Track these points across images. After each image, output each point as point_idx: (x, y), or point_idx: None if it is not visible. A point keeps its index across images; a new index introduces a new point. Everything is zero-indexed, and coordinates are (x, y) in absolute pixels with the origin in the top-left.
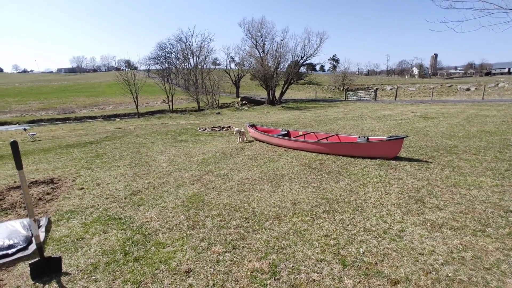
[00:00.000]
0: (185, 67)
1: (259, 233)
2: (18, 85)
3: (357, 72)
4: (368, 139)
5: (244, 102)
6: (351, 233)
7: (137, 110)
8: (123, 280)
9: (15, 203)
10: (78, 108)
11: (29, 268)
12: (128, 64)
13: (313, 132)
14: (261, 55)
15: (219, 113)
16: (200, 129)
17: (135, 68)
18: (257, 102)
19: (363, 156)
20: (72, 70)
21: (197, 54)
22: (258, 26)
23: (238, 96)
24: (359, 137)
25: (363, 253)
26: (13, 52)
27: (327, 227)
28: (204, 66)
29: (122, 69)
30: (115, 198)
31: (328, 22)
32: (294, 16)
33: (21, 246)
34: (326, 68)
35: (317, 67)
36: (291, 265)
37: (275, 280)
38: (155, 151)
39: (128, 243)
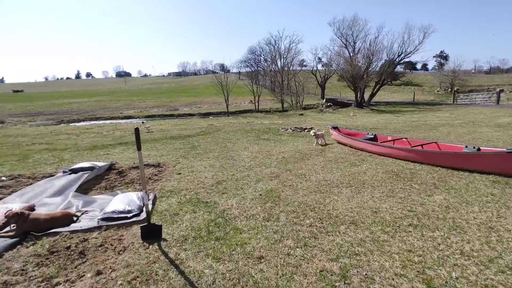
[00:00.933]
0: (272, 69)
1: (332, 235)
2: (140, 87)
3: (473, 71)
4: (479, 149)
5: (329, 103)
6: (442, 254)
7: (227, 109)
8: (206, 254)
9: (134, 179)
10: (181, 106)
11: (140, 230)
12: (223, 67)
13: (406, 138)
14: (351, 54)
15: (302, 114)
16: (282, 129)
17: (228, 71)
18: (343, 104)
19: (470, 169)
20: (178, 74)
21: (285, 56)
22: (349, 24)
23: (323, 98)
24: (466, 146)
25: (457, 278)
26: (139, 59)
27: (412, 242)
28: (291, 68)
29: (217, 72)
30: (204, 184)
31: (435, 13)
32: (392, 12)
33: (136, 213)
34: (429, 66)
35: (418, 66)
36: (364, 273)
37: (345, 284)
38: (240, 147)
39: (211, 224)
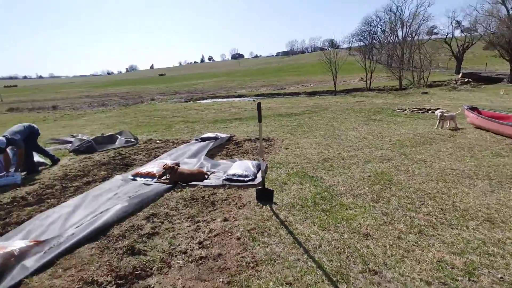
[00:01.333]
0: (391, 41)
1: (457, 229)
2: (251, 67)
3: None
4: None
5: (466, 79)
6: None
7: (335, 88)
8: (312, 221)
9: (248, 150)
10: (287, 85)
11: (255, 192)
12: (332, 43)
13: None
14: (510, 12)
15: (426, 93)
16: (398, 109)
17: (337, 46)
18: (488, 80)
19: None
20: (286, 53)
21: (408, 24)
22: None
23: (458, 72)
24: None
25: None
26: (251, 41)
27: None
28: (415, 38)
29: (326, 49)
30: (310, 160)
31: None
32: None
33: (251, 178)
34: None
35: None
36: (499, 276)
37: (469, 281)
38: (347, 126)
39: (317, 196)
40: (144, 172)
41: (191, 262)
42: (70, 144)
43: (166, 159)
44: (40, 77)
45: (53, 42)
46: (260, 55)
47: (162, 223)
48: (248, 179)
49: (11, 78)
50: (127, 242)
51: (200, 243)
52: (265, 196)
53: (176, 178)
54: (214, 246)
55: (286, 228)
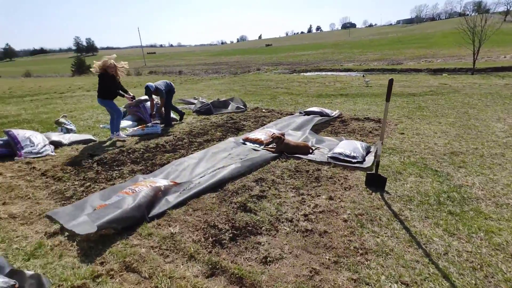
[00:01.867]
0: None
1: None
2: (363, 38)
3: None
4: None
5: None
6: None
7: (473, 65)
8: (435, 222)
9: (354, 129)
10: (406, 60)
11: (365, 176)
12: (479, 6)
13: None
14: None
15: None
16: None
17: (487, 10)
18: None
19: None
20: (409, 21)
21: None
22: None
23: None
24: None
25: None
26: (366, 8)
27: None
28: None
29: (468, 14)
30: (433, 151)
31: None
32: None
33: (359, 160)
34: None
35: None
36: None
37: None
38: (489, 116)
39: (443, 195)
40: (253, 138)
41: (297, 232)
42: (193, 106)
43: (272, 129)
44: (171, 45)
45: (181, 15)
46: (375, 24)
47: (269, 188)
48: (355, 160)
49: (151, 46)
50: (240, 198)
51: (305, 215)
52: (376, 182)
53: (282, 148)
54: (320, 222)
55: (400, 222)
